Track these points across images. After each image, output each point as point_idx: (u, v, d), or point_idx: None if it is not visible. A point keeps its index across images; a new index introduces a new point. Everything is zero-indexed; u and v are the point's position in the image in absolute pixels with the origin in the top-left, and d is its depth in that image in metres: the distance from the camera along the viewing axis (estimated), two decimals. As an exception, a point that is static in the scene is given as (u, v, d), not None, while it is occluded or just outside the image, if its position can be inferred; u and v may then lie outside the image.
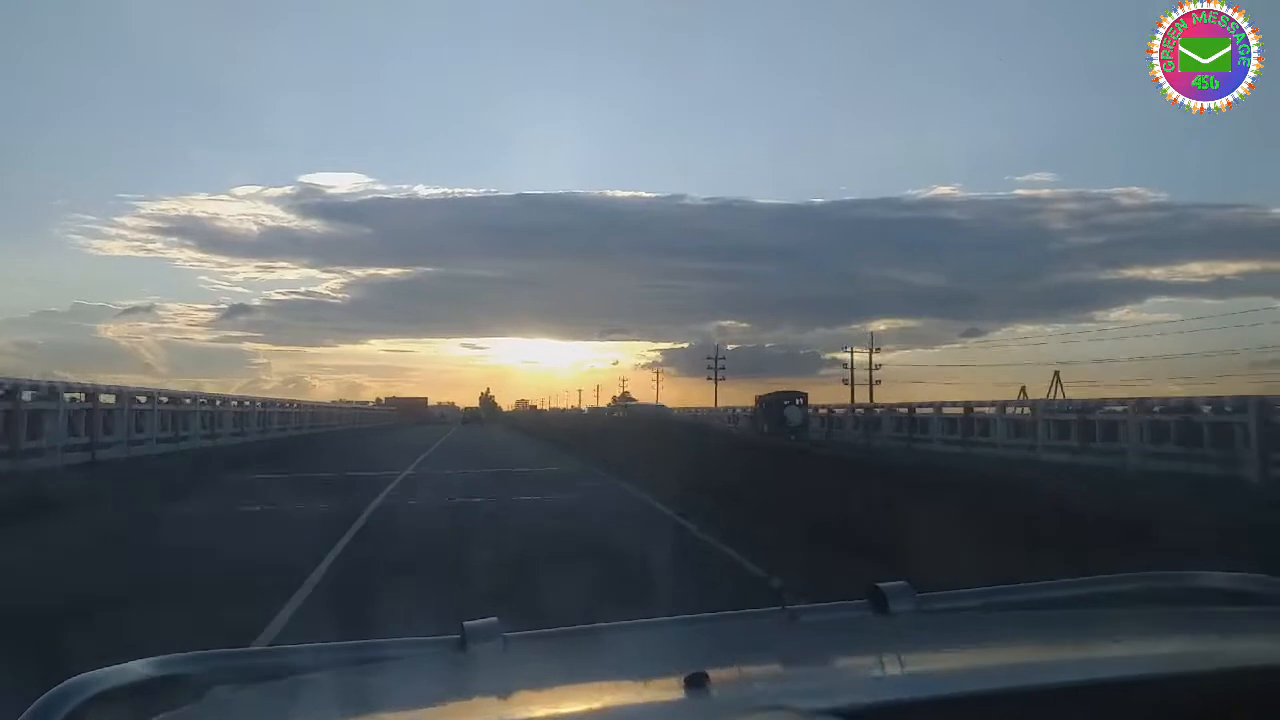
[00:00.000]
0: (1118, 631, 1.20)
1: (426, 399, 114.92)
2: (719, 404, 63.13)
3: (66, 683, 1.04)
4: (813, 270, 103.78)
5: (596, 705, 1.08)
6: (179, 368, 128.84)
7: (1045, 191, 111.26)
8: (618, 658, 1.25)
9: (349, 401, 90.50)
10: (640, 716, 0.95)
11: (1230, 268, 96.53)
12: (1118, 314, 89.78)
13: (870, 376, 52.96)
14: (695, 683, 0.90)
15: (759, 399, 37.68)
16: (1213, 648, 1.09)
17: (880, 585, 1.27)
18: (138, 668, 1.10)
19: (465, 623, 1.23)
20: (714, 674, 0.94)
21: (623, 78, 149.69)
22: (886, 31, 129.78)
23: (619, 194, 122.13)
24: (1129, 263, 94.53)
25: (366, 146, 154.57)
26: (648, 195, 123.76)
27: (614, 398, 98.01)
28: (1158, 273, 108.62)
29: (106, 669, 1.08)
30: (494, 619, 1.23)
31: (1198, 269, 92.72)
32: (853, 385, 52.87)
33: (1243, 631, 1.14)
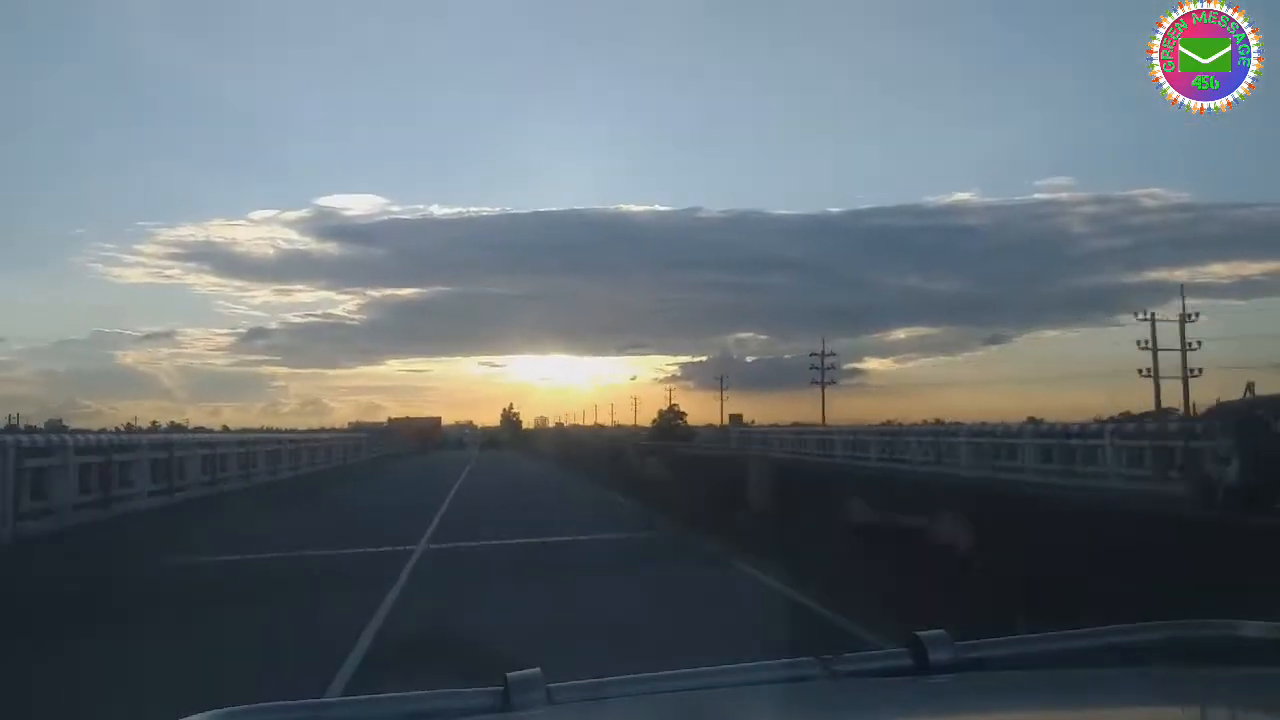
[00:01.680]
0: (1156, 695, 1.20)
1: (440, 419, 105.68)
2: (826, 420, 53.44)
3: None
4: (831, 280, 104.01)
5: None
6: (198, 393, 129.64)
7: (1064, 195, 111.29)
8: (662, 709, 1.24)
9: (361, 424, 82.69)
10: None
11: (1254, 268, 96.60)
12: (1140, 317, 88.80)
13: (1183, 360, 40.05)
14: None
15: (1216, 413, 17.37)
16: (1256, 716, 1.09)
17: (919, 634, 1.26)
18: None
19: (508, 674, 1.22)
20: None
21: (635, 91, 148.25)
22: (901, 38, 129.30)
23: (634, 208, 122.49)
24: (1152, 265, 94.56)
25: (382, 168, 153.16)
26: (663, 209, 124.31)
27: (660, 412, 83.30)
28: (1180, 274, 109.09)
29: None
30: (536, 670, 1.23)
31: (1221, 270, 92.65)
32: (1156, 370, 40.44)
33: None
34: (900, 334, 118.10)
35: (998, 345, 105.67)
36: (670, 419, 79.02)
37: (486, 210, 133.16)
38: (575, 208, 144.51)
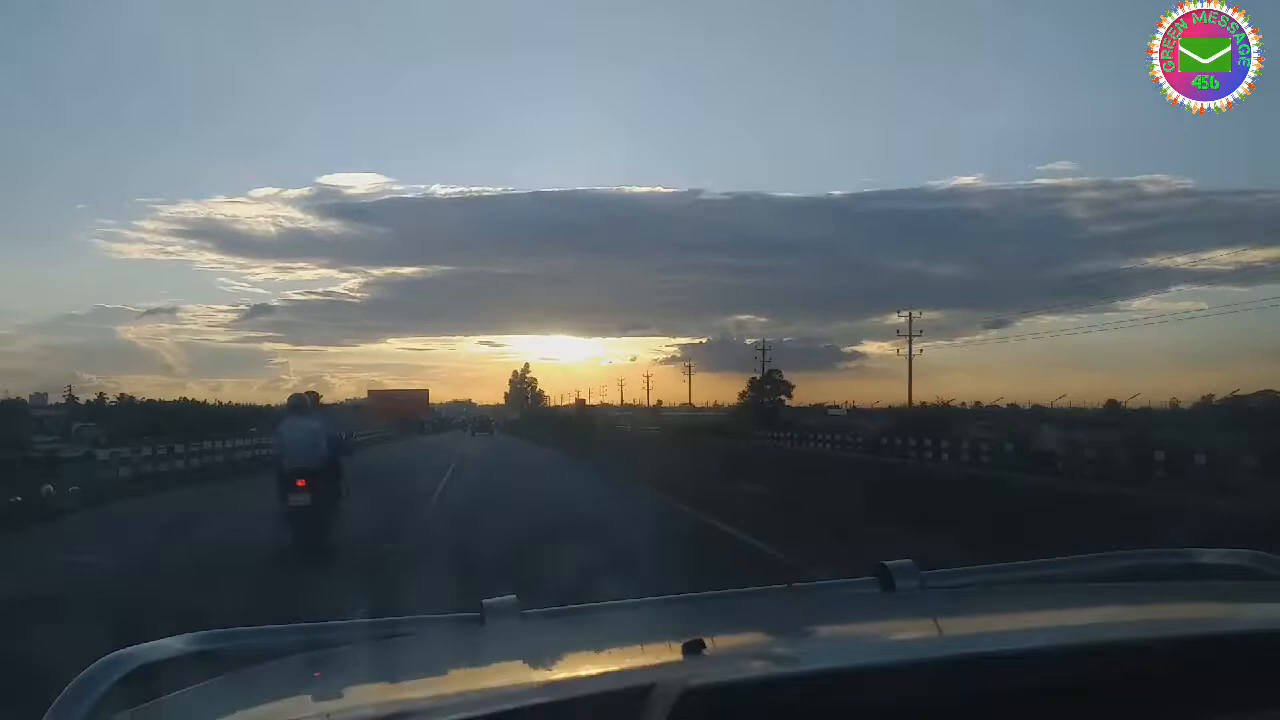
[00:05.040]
0: (1116, 601, 1.24)
1: (427, 391, 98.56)
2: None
3: (104, 659, 1.06)
4: (832, 263, 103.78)
5: (599, 670, 1.12)
6: (199, 368, 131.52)
7: (1068, 180, 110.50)
8: (626, 630, 1.29)
9: (355, 400, 79.05)
10: (634, 678, 0.98)
11: (1256, 255, 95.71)
12: (1141, 303, 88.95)
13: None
14: (693, 648, 0.94)
15: None
16: (1207, 613, 1.13)
17: (886, 563, 1.30)
18: (174, 644, 1.14)
19: (484, 600, 1.27)
20: (712, 640, 0.98)
21: (639, 74, 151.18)
22: (908, 22, 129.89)
23: (637, 190, 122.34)
24: (1153, 251, 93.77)
25: (384, 147, 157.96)
26: (665, 190, 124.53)
27: (752, 382, 61.53)
28: (1182, 260, 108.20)
29: (143, 645, 1.11)
30: (512, 597, 1.28)
31: (1222, 256, 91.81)
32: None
33: (1237, 601, 1.18)
34: (901, 317, 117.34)
35: (998, 329, 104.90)
36: (767, 393, 56.84)
37: (489, 190, 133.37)
38: (578, 188, 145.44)
